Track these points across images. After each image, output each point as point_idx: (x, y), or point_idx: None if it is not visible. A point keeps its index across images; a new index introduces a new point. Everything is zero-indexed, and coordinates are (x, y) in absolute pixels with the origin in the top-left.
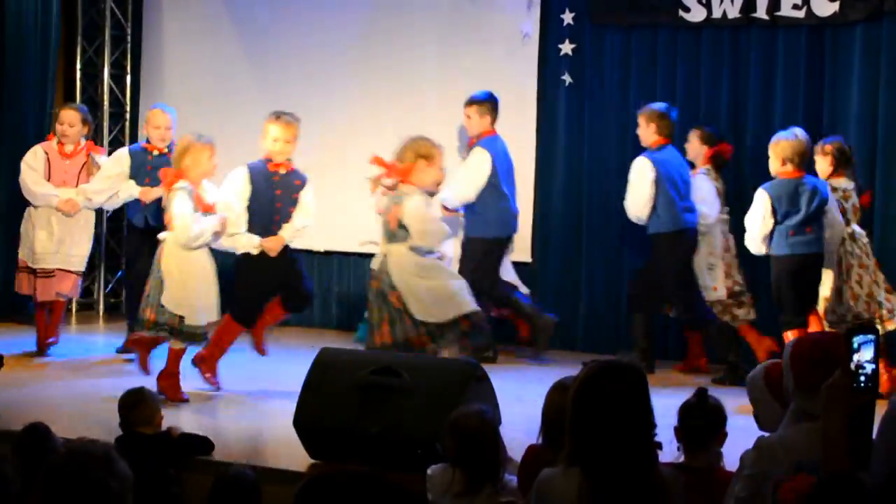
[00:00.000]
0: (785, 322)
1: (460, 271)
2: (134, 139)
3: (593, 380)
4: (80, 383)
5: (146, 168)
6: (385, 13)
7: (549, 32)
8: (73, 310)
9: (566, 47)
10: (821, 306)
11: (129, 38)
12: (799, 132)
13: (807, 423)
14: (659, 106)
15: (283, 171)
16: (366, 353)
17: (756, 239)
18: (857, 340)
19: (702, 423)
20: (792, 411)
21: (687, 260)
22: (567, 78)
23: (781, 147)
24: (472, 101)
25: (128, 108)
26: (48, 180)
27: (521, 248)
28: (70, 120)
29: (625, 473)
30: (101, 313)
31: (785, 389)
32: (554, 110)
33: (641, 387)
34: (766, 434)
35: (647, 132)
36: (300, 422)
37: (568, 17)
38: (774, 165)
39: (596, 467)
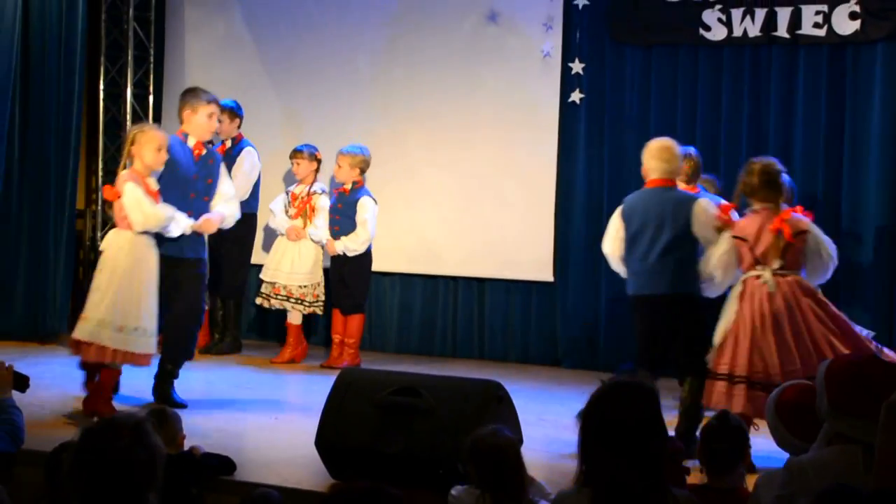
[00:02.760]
0: None
1: None
2: None
3: (604, 399)
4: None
5: None
6: (406, 34)
7: (571, 52)
8: None
9: (577, 66)
10: None
11: (151, 58)
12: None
13: (840, 444)
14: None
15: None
16: (387, 373)
17: None
18: None
19: (725, 445)
20: (825, 432)
21: None
22: (576, 96)
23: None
24: None
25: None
26: None
27: (542, 266)
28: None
29: (636, 494)
30: None
31: (818, 410)
32: (574, 129)
33: (653, 406)
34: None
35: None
36: (321, 442)
37: (586, 37)
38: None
39: (607, 488)
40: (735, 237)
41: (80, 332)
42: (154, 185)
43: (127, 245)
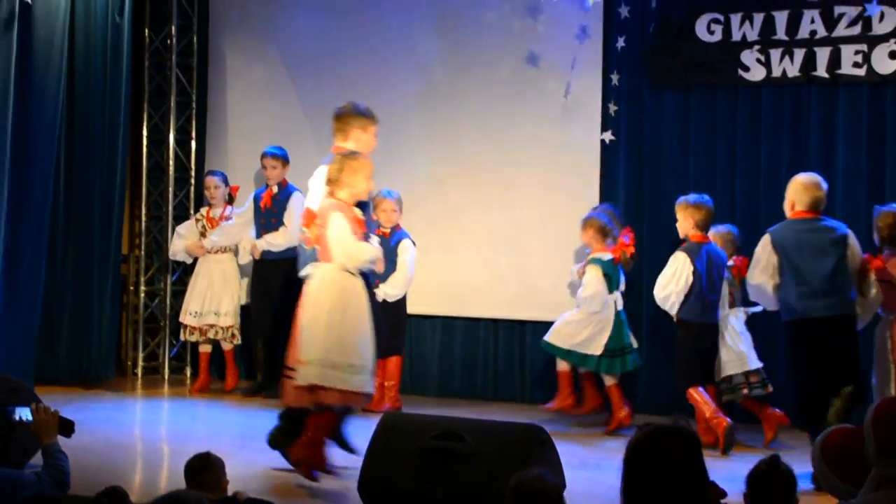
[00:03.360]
0: None
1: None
2: (199, 203)
3: (645, 444)
4: (147, 447)
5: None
6: (446, 78)
7: (609, 94)
8: (139, 374)
9: (615, 108)
10: None
11: (194, 103)
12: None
13: (889, 489)
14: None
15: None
16: (429, 416)
17: None
18: None
19: (773, 492)
20: (872, 478)
21: None
22: (608, 136)
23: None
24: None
25: (193, 173)
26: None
27: None
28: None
29: None
30: (166, 378)
31: (866, 453)
32: (614, 171)
33: (695, 452)
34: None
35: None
36: (364, 486)
37: (624, 78)
38: None
39: None
40: (880, 280)
41: (305, 377)
42: (360, 214)
43: (330, 277)
